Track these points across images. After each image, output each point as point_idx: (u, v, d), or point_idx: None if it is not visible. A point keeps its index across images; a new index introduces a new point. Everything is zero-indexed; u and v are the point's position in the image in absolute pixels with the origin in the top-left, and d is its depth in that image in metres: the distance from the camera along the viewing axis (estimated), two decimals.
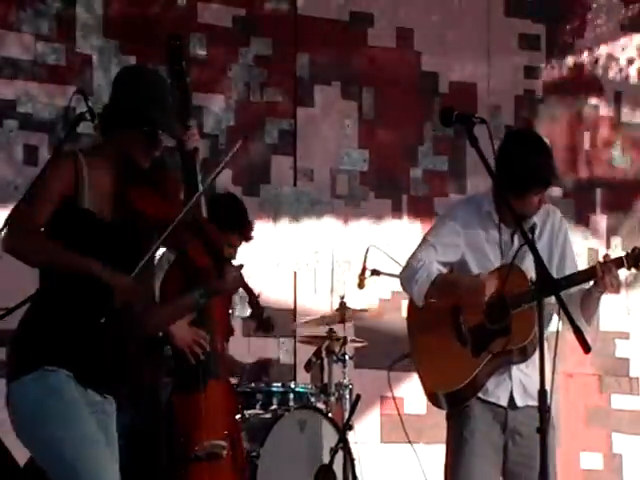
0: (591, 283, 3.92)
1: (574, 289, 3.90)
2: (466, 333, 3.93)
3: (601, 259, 3.92)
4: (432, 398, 4.03)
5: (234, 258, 4.54)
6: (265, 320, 3.78)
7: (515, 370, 3.95)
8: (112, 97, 3.39)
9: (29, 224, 3.25)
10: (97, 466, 3.12)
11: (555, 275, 3.90)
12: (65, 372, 3.22)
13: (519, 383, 3.96)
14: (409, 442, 4.35)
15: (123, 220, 3.31)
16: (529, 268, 3.80)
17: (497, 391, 3.95)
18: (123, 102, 3.33)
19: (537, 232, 3.94)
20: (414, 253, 4.02)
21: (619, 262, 3.90)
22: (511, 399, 3.96)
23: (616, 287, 3.95)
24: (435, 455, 6.45)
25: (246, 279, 3.66)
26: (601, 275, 3.84)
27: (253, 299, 3.86)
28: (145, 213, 3.29)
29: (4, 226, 3.25)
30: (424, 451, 6.51)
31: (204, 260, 3.38)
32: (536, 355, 3.64)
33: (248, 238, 4.72)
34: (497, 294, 3.88)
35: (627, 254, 3.90)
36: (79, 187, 3.28)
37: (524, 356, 3.89)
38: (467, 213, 4.01)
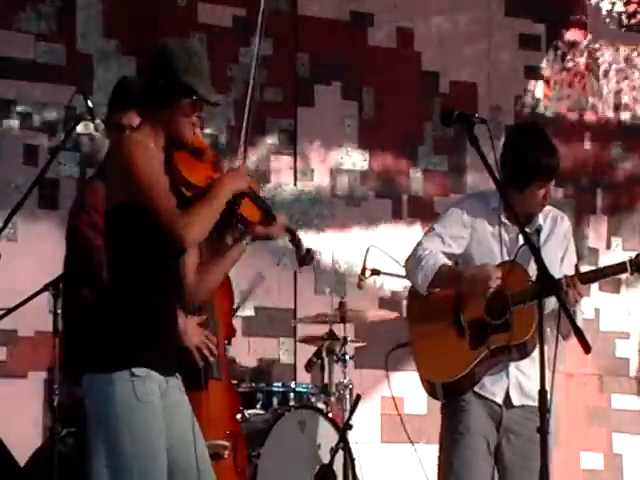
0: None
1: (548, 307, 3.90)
2: (465, 325, 3.93)
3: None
4: (428, 387, 4.03)
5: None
6: (307, 252, 3.77)
7: (513, 368, 3.95)
8: (148, 77, 3.32)
9: (178, 216, 3.21)
10: None
11: None
12: (152, 373, 3.25)
13: (516, 382, 3.96)
14: (410, 442, 4.34)
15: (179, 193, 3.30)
16: (534, 268, 3.80)
17: (493, 388, 3.96)
18: (164, 77, 3.27)
19: (544, 235, 3.95)
20: (420, 242, 4.02)
21: (622, 267, 3.91)
22: (507, 397, 3.96)
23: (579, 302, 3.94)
24: (435, 455, 6.47)
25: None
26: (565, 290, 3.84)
27: (295, 238, 3.85)
28: (188, 179, 3.30)
29: (170, 235, 3.22)
30: (424, 451, 6.53)
31: (255, 214, 3.45)
32: (535, 354, 3.65)
33: None
34: (498, 290, 3.88)
35: (631, 260, 3.90)
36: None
37: (523, 354, 3.89)
38: (475, 207, 4.02)
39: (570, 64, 7.10)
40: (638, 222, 7.11)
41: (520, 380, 3.96)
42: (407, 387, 6.55)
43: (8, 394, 5.63)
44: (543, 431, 3.19)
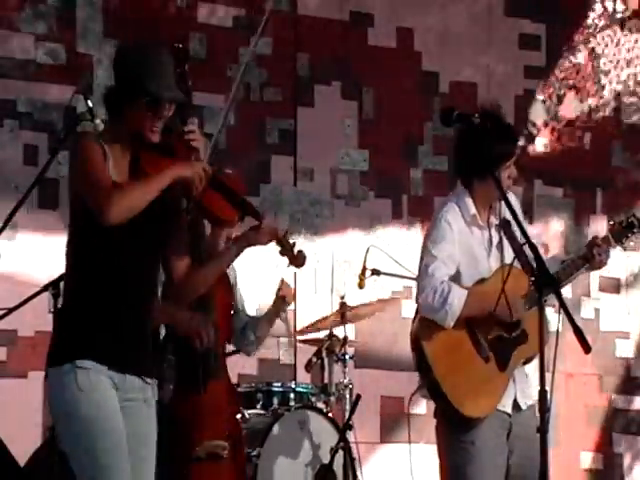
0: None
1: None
2: (487, 348, 3.87)
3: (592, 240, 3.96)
4: (461, 418, 3.89)
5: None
6: (298, 254, 3.75)
7: (517, 373, 3.93)
8: (114, 78, 3.40)
9: (106, 190, 3.22)
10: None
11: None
12: (99, 367, 3.24)
13: (520, 386, 3.95)
14: (409, 442, 4.33)
15: None
16: (508, 259, 3.83)
17: (504, 399, 3.91)
18: (121, 79, 3.36)
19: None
20: (429, 272, 3.90)
21: (607, 241, 3.97)
22: (515, 403, 3.93)
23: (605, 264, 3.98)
24: (435, 455, 6.47)
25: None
26: (595, 256, 3.90)
27: (283, 238, 3.82)
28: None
29: (96, 210, 3.20)
30: (424, 451, 6.53)
31: (230, 213, 3.41)
32: None
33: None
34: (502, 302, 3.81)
35: (610, 231, 3.97)
36: (107, 162, 3.31)
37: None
38: (457, 220, 3.97)
39: (570, 64, 7.10)
40: None
41: (522, 383, 3.96)
42: (407, 387, 6.56)
43: (8, 394, 5.63)
44: (543, 431, 3.19)
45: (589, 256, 3.97)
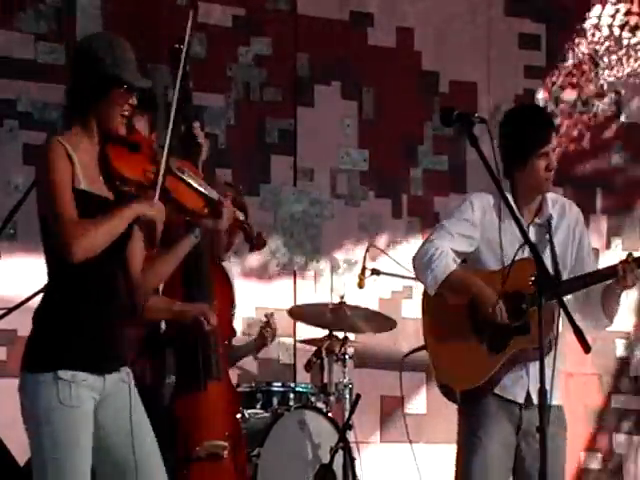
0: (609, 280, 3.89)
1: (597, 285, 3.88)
2: (483, 329, 3.87)
3: (623, 257, 3.88)
4: (445, 391, 3.97)
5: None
6: (257, 237, 3.77)
7: (532, 367, 3.86)
8: (72, 75, 3.36)
9: (70, 228, 3.21)
10: None
11: (570, 273, 3.88)
12: (81, 376, 3.26)
13: (535, 380, 3.90)
14: (409, 442, 4.33)
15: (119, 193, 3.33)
16: (547, 262, 3.75)
17: (514, 388, 3.90)
18: (88, 73, 3.30)
19: (554, 224, 3.90)
20: (430, 238, 3.93)
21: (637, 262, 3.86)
22: (528, 396, 3.90)
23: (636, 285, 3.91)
24: (435, 455, 6.47)
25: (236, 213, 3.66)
26: (622, 274, 3.81)
27: (243, 223, 3.84)
28: (122, 173, 3.28)
29: (59, 245, 3.22)
30: (424, 451, 6.53)
31: (197, 202, 3.40)
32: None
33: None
34: (515, 290, 3.80)
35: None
36: (74, 171, 3.27)
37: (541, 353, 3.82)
38: (484, 204, 3.95)
39: (570, 63, 7.10)
40: (638, 222, 7.11)
41: (538, 378, 3.90)
42: (407, 387, 6.55)
43: (8, 394, 5.61)
44: (543, 430, 3.19)
45: (615, 271, 3.86)
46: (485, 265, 3.93)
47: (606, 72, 7.16)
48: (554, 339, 3.55)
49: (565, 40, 7.07)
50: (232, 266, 5.09)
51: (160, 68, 5.73)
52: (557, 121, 7.04)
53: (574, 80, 7.11)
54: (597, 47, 7.16)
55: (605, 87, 7.16)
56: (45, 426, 3.24)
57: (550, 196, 4.02)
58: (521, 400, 3.91)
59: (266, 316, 5.19)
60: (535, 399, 3.88)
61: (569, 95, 7.09)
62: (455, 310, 3.92)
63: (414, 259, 3.95)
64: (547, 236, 3.87)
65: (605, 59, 7.17)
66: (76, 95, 3.33)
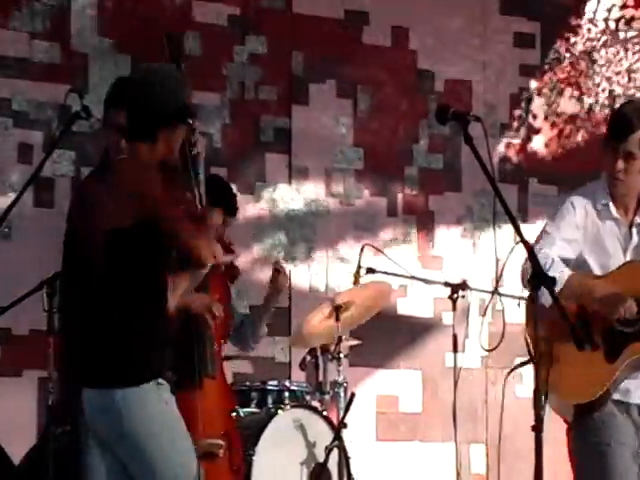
0: None
1: None
2: (598, 338, 3.75)
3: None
4: (556, 405, 3.79)
5: (223, 234, 4.64)
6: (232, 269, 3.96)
7: None
8: (140, 99, 3.49)
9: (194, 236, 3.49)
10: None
11: None
12: (164, 382, 3.54)
13: None
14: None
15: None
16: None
17: (637, 392, 3.79)
18: (159, 102, 3.45)
19: None
20: (537, 247, 3.75)
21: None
22: None
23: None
24: (429, 453, 6.48)
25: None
26: None
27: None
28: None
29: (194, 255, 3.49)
30: (419, 449, 6.53)
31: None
32: None
33: (231, 212, 4.86)
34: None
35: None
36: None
37: None
38: (585, 206, 3.86)
39: (565, 62, 7.11)
40: None
41: None
42: (401, 385, 6.56)
43: (2, 393, 5.62)
44: (538, 430, 3.18)
45: None
46: (589, 269, 3.83)
47: (603, 69, 7.17)
48: None
49: (560, 38, 7.07)
50: None
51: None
52: (550, 120, 7.05)
53: (569, 78, 7.12)
54: (592, 45, 7.16)
55: (600, 85, 7.16)
56: (158, 429, 3.48)
57: None
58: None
59: (275, 264, 5.16)
60: None
61: (564, 93, 7.09)
62: (562, 321, 3.66)
63: (522, 272, 3.77)
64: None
65: (602, 55, 7.17)
66: (145, 122, 3.47)
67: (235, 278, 4.30)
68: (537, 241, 3.83)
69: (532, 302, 3.59)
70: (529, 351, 3.72)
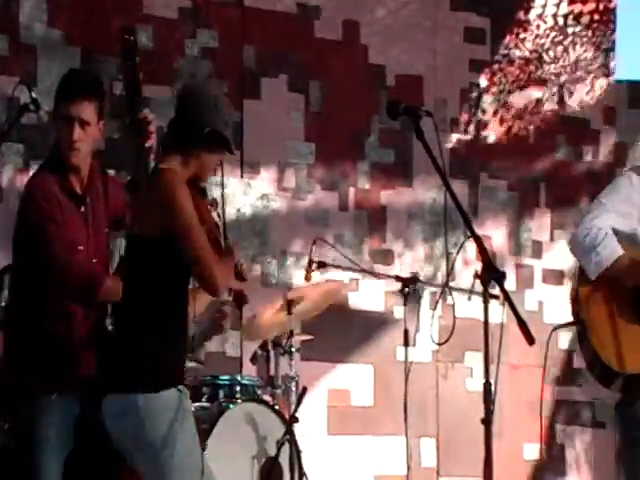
0: None
1: None
2: None
3: None
4: (602, 373, 3.75)
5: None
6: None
7: None
8: (190, 115, 3.60)
9: (213, 266, 3.58)
10: None
11: None
12: (186, 391, 3.65)
13: None
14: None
15: None
16: None
17: None
18: (206, 124, 3.57)
19: None
20: (591, 216, 3.73)
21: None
22: None
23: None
24: (381, 447, 6.50)
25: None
26: None
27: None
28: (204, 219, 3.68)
29: (206, 284, 3.59)
30: (370, 443, 6.56)
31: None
32: None
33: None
34: None
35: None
36: None
37: None
38: None
39: (514, 57, 7.15)
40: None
41: None
42: (353, 379, 6.58)
43: None
44: (487, 421, 3.20)
45: None
46: None
47: (552, 66, 7.23)
48: None
49: (510, 33, 7.12)
50: None
51: (108, 60, 5.70)
52: (500, 115, 7.10)
53: (520, 73, 7.17)
54: (542, 40, 7.22)
55: (549, 80, 7.22)
56: (179, 434, 3.53)
57: None
58: None
59: (221, 304, 5.16)
60: None
61: (513, 88, 7.14)
62: (615, 294, 3.71)
63: (573, 239, 3.75)
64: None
65: (550, 51, 7.23)
66: (189, 137, 3.58)
67: (242, 305, 4.33)
68: (590, 211, 3.79)
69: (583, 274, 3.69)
70: (576, 313, 3.79)
